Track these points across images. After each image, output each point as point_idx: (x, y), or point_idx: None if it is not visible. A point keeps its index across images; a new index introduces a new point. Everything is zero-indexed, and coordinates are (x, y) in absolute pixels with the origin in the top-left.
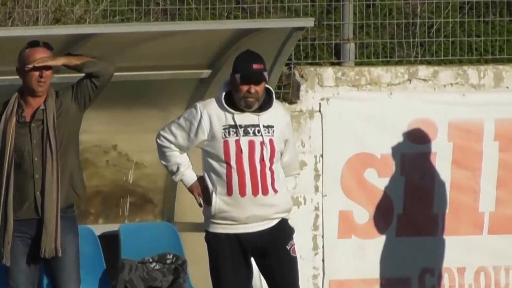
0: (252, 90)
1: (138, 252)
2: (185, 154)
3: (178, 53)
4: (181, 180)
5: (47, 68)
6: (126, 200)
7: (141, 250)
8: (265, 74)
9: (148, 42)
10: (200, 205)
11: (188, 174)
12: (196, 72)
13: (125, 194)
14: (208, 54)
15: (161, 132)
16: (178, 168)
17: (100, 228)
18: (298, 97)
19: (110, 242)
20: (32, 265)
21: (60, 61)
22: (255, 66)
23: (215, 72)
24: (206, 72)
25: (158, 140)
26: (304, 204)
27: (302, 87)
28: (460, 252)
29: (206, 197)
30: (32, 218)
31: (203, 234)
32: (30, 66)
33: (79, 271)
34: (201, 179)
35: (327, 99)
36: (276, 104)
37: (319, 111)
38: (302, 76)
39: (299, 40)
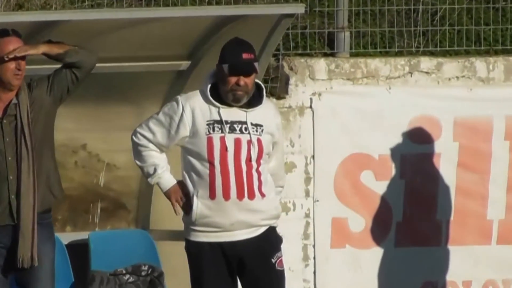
0: (241, 82)
1: (110, 263)
2: (164, 154)
3: (154, 43)
4: (158, 184)
5: (23, 58)
6: (97, 205)
7: (113, 260)
8: (256, 65)
9: (121, 31)
10: (176, 213)
11: (166, 177)
12: (173, 63)
13: (95, 198)
14: (187, 44)
15: (138, 129)
16: (155, 170)
17: (67, 236)
18: (286, 92)
19: (78, 251)
20: (5, 277)
21: (41, 50)
22: (245, 55)
23: (195, 64)
24: (184, 64)
25: (134, 137)
26: (294, 210)
27: (292, 81)
28: (466, 263)
29: (186, 205)
30: (6, 224)
31: (183, 243)
32: (11, 56)
33: (54, 284)
34: (181, 184)
35: (319, 94)
36: (267, 102)
37: (310, 107)
38: (291, 69)
39: (288, 29)
